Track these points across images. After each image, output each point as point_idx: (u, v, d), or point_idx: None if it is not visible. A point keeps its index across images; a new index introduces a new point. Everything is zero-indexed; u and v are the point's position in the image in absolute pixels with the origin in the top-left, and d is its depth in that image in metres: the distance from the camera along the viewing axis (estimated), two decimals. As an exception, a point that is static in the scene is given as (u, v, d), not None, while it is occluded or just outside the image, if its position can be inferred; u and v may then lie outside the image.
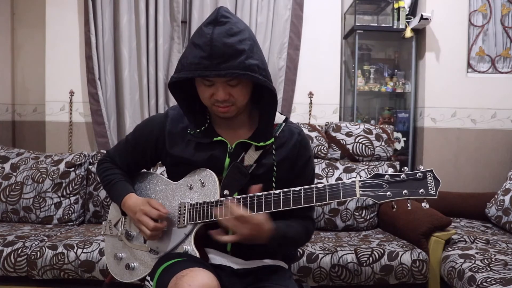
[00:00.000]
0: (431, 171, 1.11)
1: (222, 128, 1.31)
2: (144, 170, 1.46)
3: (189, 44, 1.19)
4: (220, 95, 1.18)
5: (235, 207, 1.14)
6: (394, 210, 1.13)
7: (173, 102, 2.86)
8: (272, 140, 1.27)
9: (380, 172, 1.15)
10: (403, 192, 1.09)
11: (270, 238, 1.19)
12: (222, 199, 1.20)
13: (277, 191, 1.17)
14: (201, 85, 1.21)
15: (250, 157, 1.26)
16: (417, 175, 1.10)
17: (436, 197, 1.08)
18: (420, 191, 1.08)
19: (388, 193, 1.09)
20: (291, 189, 1.16)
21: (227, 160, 1.27)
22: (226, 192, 1.21)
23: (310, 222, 1.35)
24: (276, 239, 1.20)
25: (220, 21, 1.15)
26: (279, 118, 1.34)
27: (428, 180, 1.09)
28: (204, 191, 1.25)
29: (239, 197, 1.19)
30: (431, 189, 1.09)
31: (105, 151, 2.58)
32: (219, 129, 1.31)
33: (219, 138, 1.27)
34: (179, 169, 1.31)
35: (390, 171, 1.14)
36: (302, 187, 1.15)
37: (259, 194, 1.17)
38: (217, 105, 1.21)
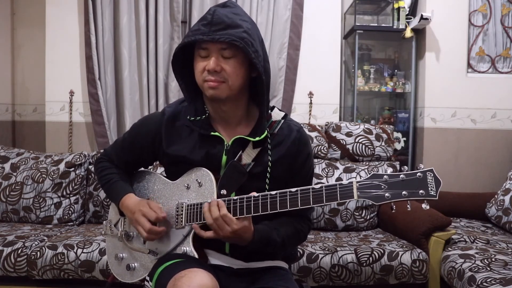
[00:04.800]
0: (431, 170, 1.06)
1: (219, 124, 1.30)
2: (142, 169, 1.46)
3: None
4: (211, 63, 1.18)
5: (221, 206, 1.15)
6: (393, 211, 1.11)
7: (173, 102, 2.86)
8: (266, 133, 1.26)
9: (380, 172, 1.12)
10: (402, 193, 1.05)
11: (252, 242, 1.19)
12: (219, 199, 1.19)
13: (273, 192, 1.15)
14: (197, 58, 1.22)
15: (248, 156, 1.26)
16: (417, 175, 1.06)
17: (437, 198, 1.04)
18: (420, 192, 1.05)
19: (387, 194, 1.06)
20: (287, 190, 1.14)
21: (224, 158, 1.26)
22: (223, 191, 1.20)
23: (306, 222, 1.34)
24: (258, 243, 1.20)
25: (228, 5, 1.22)
26: (278, 114, 1.33)
27: (428, 180, 1.05)
28: (201, 191, 1.25)
29: (235, 197, 1.17)
30: (431, 189, 1.05)
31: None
32: (216, 125, 1.30)
33: (216, 133, 1.27)
34: (177, 167, 1.31)
35: (390, 171, 1.11)
36: (299, 188, 1.14)
37: (256, 195, 1.16)
38: (208, 79, 1.20)
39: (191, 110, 1.30)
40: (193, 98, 1.30)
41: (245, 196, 1.17)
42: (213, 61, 1.18)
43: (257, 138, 1.25)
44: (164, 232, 1.27)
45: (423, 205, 1.06)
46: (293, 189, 1.14)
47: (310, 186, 1.14)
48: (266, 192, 1.16)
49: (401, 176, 1.07)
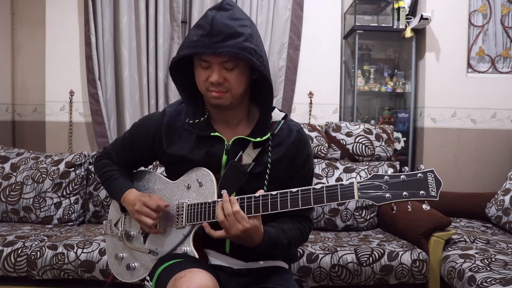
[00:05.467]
0: (432, 171, 1.07)
1: (219, 124, 1.30)
2: (142, 169, 1.46)
3: (192, 27, 1.21)
4: (214, 76, 1.17)
5: (233, 203, 1.14)
6: (394, 212, 1.11)
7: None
8: (268, 135, 1.26)
9: (380, 172, 1.12)
10: (403, 193, 1.05)
11: (260, 244, 1.17)
12: (219, 199, 1.19)
13: (274, 192, 1.15)
14: (198, 68, 1.21)
15: (248, 156, 1.26)
16: (418, 175, 1.06)
17: (437, 198, 1.04)
18: (420, 192, 1.05)
19: (388, 195, 1.06)
20: (288, 190, 1.14)
21: (224, 158, 1.26)
22: (224, 192, 1.20)
23: (307, 222, 1.34)
24: (266, 245, 1.18)
25: (225, 8, 1.18)
26: (278, 115, 1.33)
27: (429, 180, 1.05)
28: (202, 191, 1.25)
29: (236, 197, 1.17)
30: (432, 190, 1.05)
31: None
32: (217, 125, 1.30)
33: (216, 133, 1.26)
34: (177, 167, 1.31)
35: (390, 171, 1.11)
36: (300, 189, 1.14)
37: (256, 195, 1.16)
38: (211, 90, 1.20)
39: (189, 112, 1.30)
40: (191, 100, 1.30)
41: (245, 196, 1.17)
42: (216, 74, 1.17)
43: (258, 139, 1.25)
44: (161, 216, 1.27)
45: (424, 206, 1.06)
46: (294, 189, 1.14)
47: (311, 187, 1.13)
48: (267, 192, 1.16)
49: (402, 176, 1.07)
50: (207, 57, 1.17)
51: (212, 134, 1.26)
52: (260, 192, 1.17)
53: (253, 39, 1.17)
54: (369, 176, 1.10)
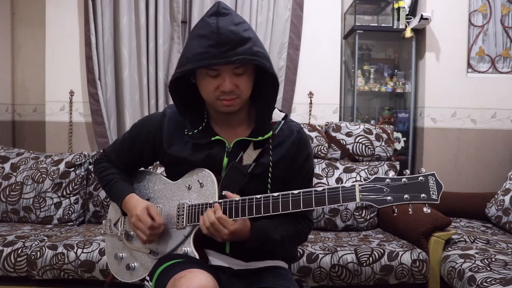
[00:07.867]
0: (433, 174, 1.07)
1: (220, 126, 1.30)
2: (143, 169, 1.46)
3: (192, 37, 1.18)
4: (227, 85, 1.16)
5: (216, 209, 1.15)
6: (395, 214, 1.11)
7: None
8: (270, 134, 1.26)
9: (380, 172, 1.12)
10: (404, 196, 1.06)
11: (249, 239, 1.19)
12: (220, 200, 1.19)
13: (276, 194, 1.15)
14: (205, 78, 1.19)
15: (249, 156, 1.26)
16: (419, 179, 1.07)
17: (438, 202, 1.05)
18: (421, 195, 1.05)
19: (389, 197, 1.07)
20: (290, 192, 1.15)
21: (225, 160, 1.26)
22: (225, 192, 1.20)
23: (307, 222, 1.34)
24: (256, 239, 1.20)
25: (223, 13, 1.16)
26: (278, 115, 1.33)
27: (430, 184, 1.06)
28: (203, 191, 1.25)
29: (237, 199, 1.17)
30: (433, 193, 1.05)
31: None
32: (217, 128, 1.30)
33: (217, 137, 1.26)
34: (177, 168, 1.30)
35: (391, 173, 1.11)
36: (301, 191, 1.14)
37: (258, 196, 1.16)
38: (223, 98, 1.19)
39: (187, 124, 1.28)
40: (187, 110, 1.28)
41: (247, 197, 1.17)
42: (228, 82, 1.16)
43: (260, 138, 1.25)
44: (161, 232, 1.27)
45: (425, 209, 1.07)
46: (296, 191, 1.14)
47: (313, 189, 1.14)
48: (268, 194, 1.16)
49: (403, 179, 1.08)
50: (217, 66, 1.15)
51: (213, 139, 1.26)
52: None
53: (258, 42, 1.18)
54: (370, 179, 1.10)
